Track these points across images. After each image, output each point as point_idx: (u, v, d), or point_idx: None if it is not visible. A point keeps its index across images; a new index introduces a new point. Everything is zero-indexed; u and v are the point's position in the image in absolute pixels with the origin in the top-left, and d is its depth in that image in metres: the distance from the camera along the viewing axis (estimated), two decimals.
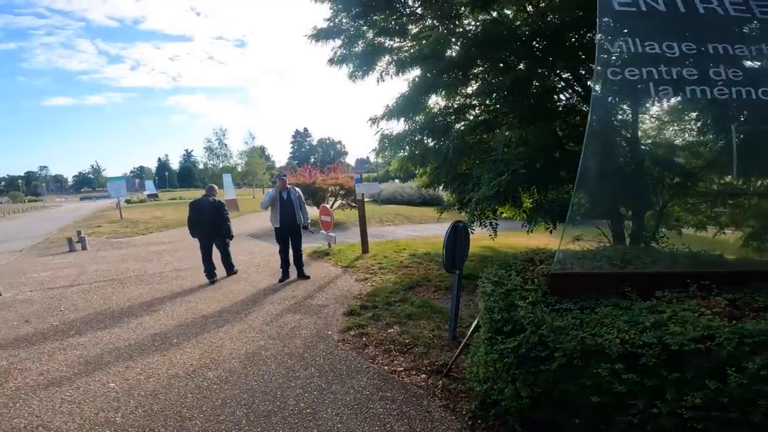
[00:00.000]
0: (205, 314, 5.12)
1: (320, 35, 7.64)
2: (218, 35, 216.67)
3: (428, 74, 6.52)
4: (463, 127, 6.86)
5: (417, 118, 7.61)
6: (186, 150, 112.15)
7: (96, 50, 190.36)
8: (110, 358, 3.90)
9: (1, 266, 9.09)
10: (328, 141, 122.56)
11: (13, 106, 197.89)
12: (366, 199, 16.17)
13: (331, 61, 8.04)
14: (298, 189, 6.79)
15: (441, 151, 6.37)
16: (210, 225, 6.61)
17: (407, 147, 7.51)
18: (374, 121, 7.56)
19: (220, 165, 44.32)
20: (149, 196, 45.27)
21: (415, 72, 7.46)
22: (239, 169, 44.54)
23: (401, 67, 7.72)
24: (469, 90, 7.29)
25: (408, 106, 7.19)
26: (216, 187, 7.17)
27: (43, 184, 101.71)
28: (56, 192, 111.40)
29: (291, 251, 6.63)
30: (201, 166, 53.44)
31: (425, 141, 7.53)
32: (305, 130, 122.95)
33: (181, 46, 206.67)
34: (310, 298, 5.64)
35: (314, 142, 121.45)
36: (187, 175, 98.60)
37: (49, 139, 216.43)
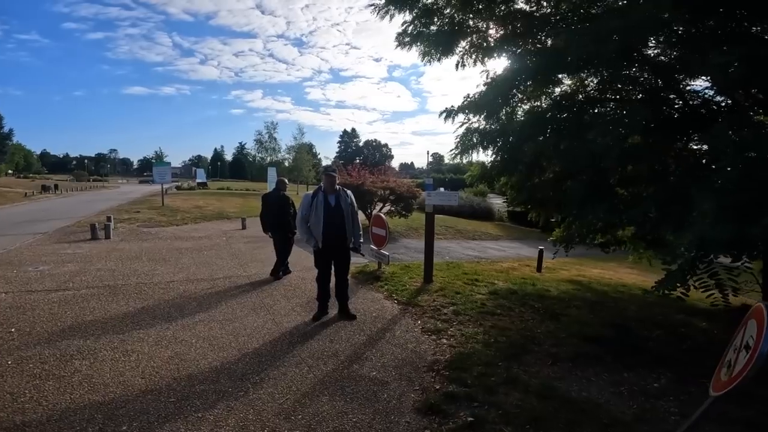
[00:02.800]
0: (194, 372, 3.25)
1: (387, 3, 5.91)
2: (279, 33, 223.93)
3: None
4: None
5: (516, 113, 5.89)
6: (240, 142, 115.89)
7: (172, 43, 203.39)
8: None
9: (7, 252, 7.93)
10: (374, 143, 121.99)
11: (95, 93, 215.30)
12: (419, 207, 14.03)
13: (401, 39, 6.21)
14: (350, 193, 4.67)
15: (571, 154, 4.20)
16: (274, 219, 6.44)
17: (492, 149, 5.66)
18: (449, 113, 5.76)
19: (268, 159, 44.07)
20: (199, 184, 45.95)
21: (502, 61, 5.95)
22: (287, 164, 44.07)
23: (487, 52, 6.06)
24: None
25: (497, 98, 5.34)
26: (286, 181, 6.97)
27: (109, 166, 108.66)
28: (122, 174, 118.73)
29: (333, 277, 4.69)
30: (251, 159, 53.98)
31: (526, 141, 5.56)
32: (353, 130, 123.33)
33: (245, 42, 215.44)
34: (359, 361, 3.63)
35: (361, 144, 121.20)
36: (239, 166, 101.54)
37: (123, 125, 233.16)
